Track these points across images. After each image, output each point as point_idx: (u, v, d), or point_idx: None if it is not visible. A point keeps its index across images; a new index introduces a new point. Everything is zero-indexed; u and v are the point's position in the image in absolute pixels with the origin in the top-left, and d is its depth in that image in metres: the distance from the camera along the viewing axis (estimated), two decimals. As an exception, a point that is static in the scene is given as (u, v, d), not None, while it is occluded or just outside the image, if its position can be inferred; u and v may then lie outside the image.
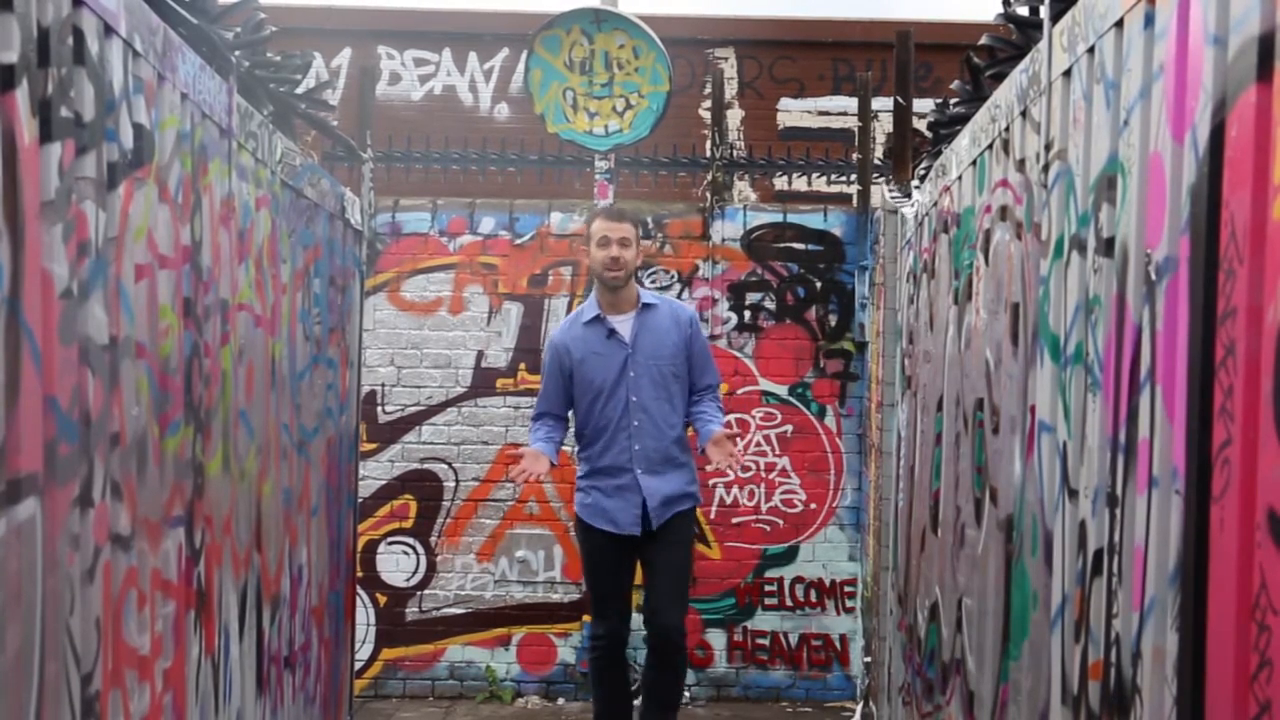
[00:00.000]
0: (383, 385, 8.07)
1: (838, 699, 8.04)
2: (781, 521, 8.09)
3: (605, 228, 5.84)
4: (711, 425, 5.85)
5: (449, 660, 8.13)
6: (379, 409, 8.06)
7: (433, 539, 8.13)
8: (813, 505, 8.13)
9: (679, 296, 7.77)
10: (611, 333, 5.85)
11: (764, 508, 8.08)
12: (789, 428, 8.09)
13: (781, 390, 8.04)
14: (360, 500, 7.17)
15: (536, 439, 5.92)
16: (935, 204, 5.10)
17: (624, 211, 6.13)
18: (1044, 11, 3.45)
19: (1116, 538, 2.80)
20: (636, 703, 6.16)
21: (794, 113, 10.85)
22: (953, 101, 4.79)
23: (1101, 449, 2.91)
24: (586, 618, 7.20)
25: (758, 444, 8.06)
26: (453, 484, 8.11)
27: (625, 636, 6.00)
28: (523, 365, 7.98)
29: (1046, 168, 3.43)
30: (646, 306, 5.92)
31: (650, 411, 5.81)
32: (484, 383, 8.09)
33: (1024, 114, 3.70)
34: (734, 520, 8.01)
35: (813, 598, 8.15)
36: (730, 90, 10.84)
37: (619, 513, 5.79)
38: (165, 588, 3.48)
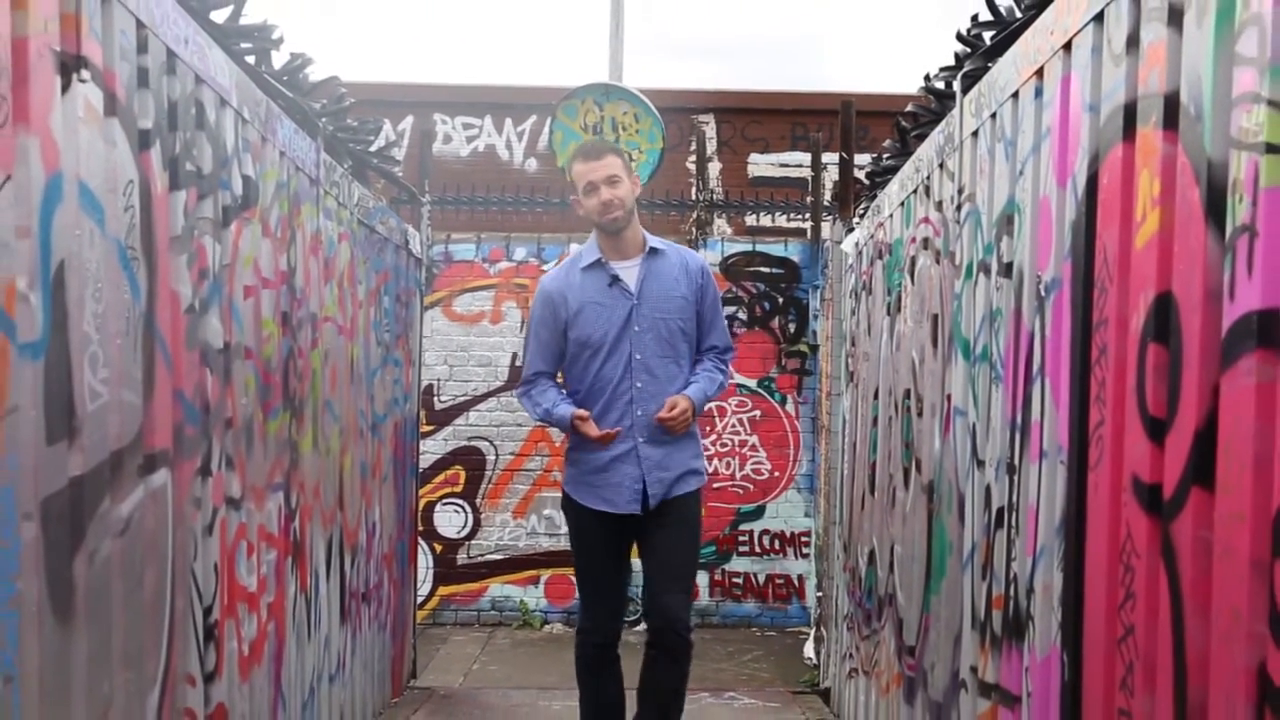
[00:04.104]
0: (438, 380, 8.09)
1: (796, 625, 8.05)
2: (751, 486, 8.11)
3: (586, 171, 4.02)
4: (691, 384, 4.10)
5: (491, 596, 8.14)
6: (435, 398, 8.07)
7: (478, 500, 8.14)
8: (776, 473, 8.15)
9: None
10: (615, 280, 4.06)
11: (738, 475, 8.09)
12: (758, 413, 8.10)
13: (752, 383, 8.06)
14: (421, 470, 7.17)
15: (559, 403, 4.10)
16: (872, 236, 5.10)
17: (602, 146, 4.19)
18: (956, 85, 3.45)
19: (1014, 498, 2.81)
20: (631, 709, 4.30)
21: (761, 165, 10.83)
22: (885, 156, 4.79)
23: (1003, 428, 2.91)
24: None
25: (733, 426, 8.07)
26: (493, 457, 8.13)
27: (617, 632, 4.21)
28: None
29: (959, 208, 3.43)
30: (654, 252, 4.12)
31: (655, 372, 4.04)
32: (517, 378, 8.08)
33: (941, 166, 3.70)
34: (714, 485, 8.00)
35: (776, 546, 8.16)
36: (710, 147, 10.81)
37: (614, 490, 4.04)
38: (269, 539, 3.49)
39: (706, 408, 4.39)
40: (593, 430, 3.99)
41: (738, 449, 8.09)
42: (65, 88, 2.15)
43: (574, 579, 7.90)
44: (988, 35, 3.27)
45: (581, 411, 4.02)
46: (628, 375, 4.04)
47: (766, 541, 8.16)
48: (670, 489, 4.06)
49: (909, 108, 4.32)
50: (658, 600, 4.04)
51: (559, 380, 4.25)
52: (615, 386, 4.05)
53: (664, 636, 4.04)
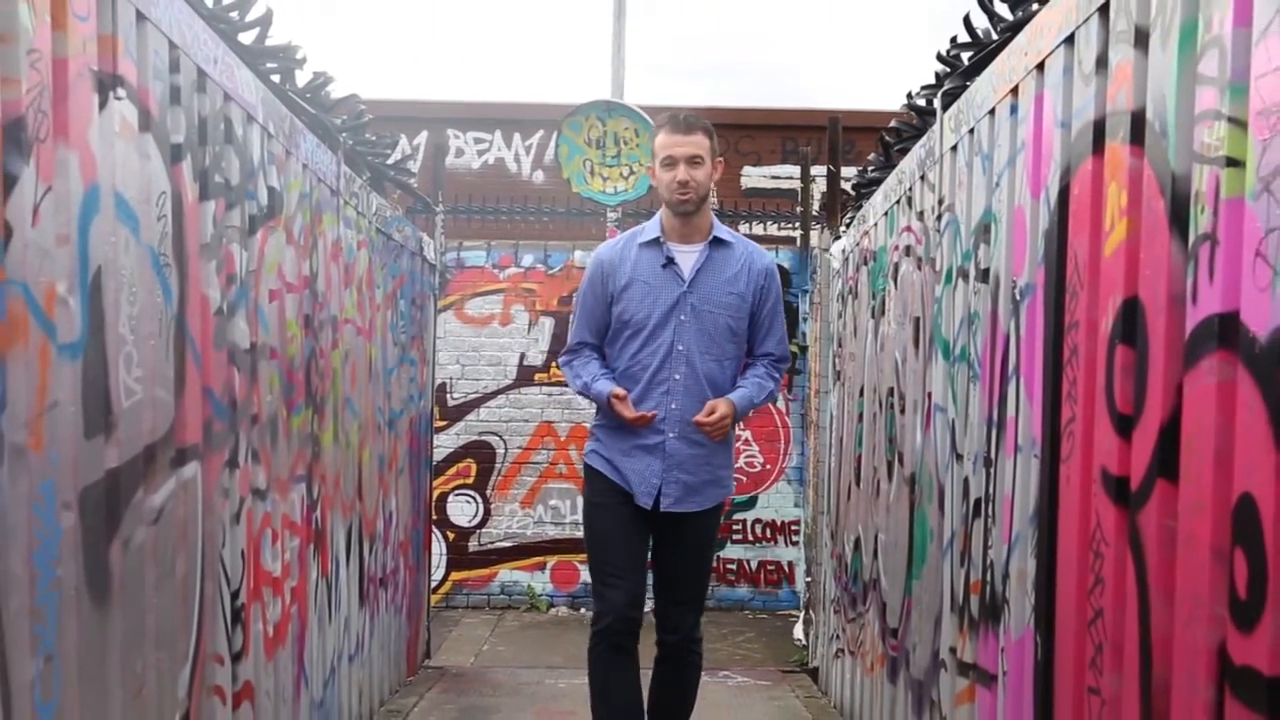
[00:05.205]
0: (451, 378, 8.09)
1: (786, 608, 8.05)
2: (745, 478, 8.11)
3: (670, 143, 3.53)
4: (737, 389, 3.61)
5: (500, 581, 8.15)
6: (448, 395, 8.08)
7: (488, 491, 8.14)
8: (768, 466, 8.15)
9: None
10: (670, 261, 3.56)
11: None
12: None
13: (745, 381, 8.06)
14: (434, 463, 7.18)
15: (599, 376, 3.59)
16: (857, 244, 5.11)
17: (693, 121, 3.59)
18: (937, 103, 3.45)
19: (991, 489, 2.81)
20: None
21: (753, 177, 10.82)
22: (870, 169, 4.79)
23: (980, 424, 2.92)
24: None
25: (727, 421, 8.07)
26: (503, 451, 8.13)
27: (636, 620, 3.55)
28: (554, 364, 7.98)
29: (939, 217, 3.44)
30: (719, 242, 3.61)
31: (695, 367, 3.53)
32: (525, 377, 8.11)
33: (923, 178, 3.70)
34: (710, 477, 8.00)
35: (768, 534, 8.16)
36: (706, 160, 10.82)
37: (635, 476, 3.53)
38: (292, 527, 3.49)
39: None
40: (629, 412, 3.49)
41: (732, 443, 8.09)
42: (102, 104, 2.15)
43: (579, 565, 7.99)
44: (966, 56, 3.28)
45: (620, 390, 3.52)
46: (667, 364, 3.53)
47: (759, 530, 8.17)
48: (688, 498, 3.55)
49: (892, 124, 4.32)
50: (669, 615, 3.65)
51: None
52: (653, 374, 3.53)
53: (674, 649, 3.66)
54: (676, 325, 3.53)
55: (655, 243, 3.61)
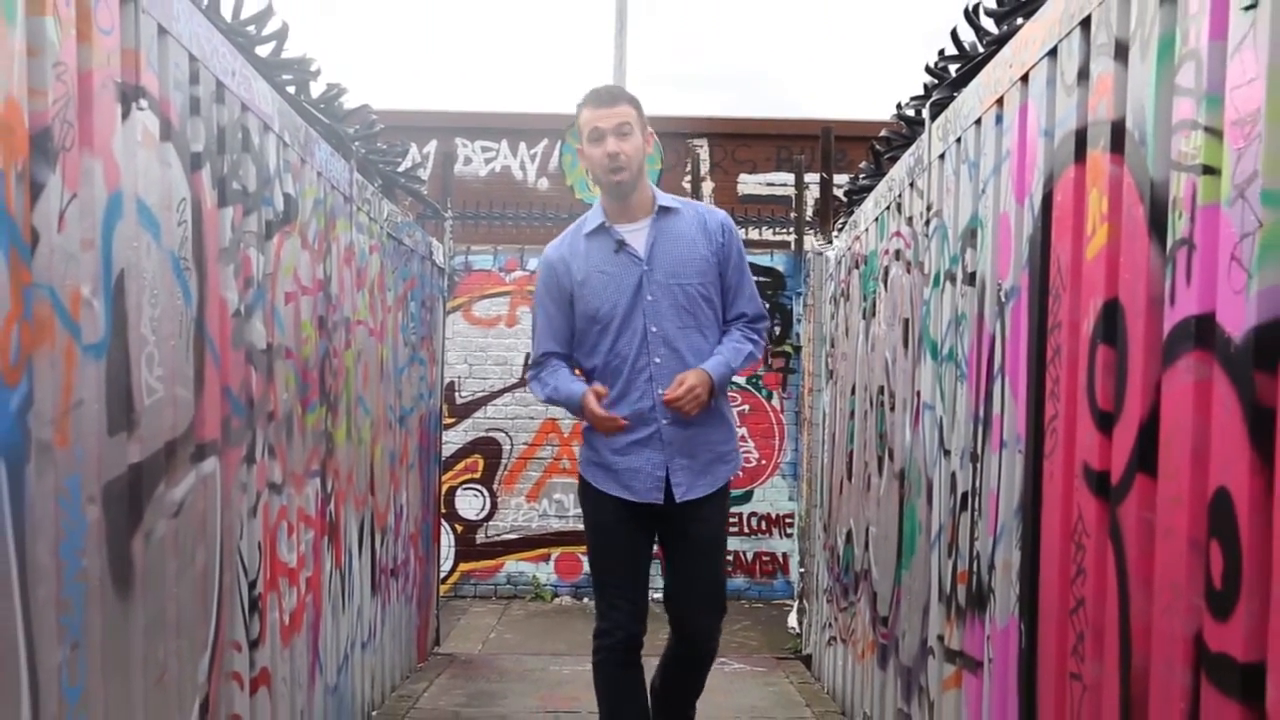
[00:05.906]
0: (459, 377, 8.10)
1: (781, 598, 8.06)
2: (741, 473, 8.10)
3: (595, 117, 3.19)
4: (711, 357, 3.23)
5: (506, 571, 8.15)
6: (456, 394, 8.08)
7: (494, 486, 8.15)
8: (763, 461, 8.15)
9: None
10: (621, 245, 3.23)
11: (729, 463, 8.08)
12: (747, 407, 8.11)
13: (741, 380, 8.06)
14: (443, 458, 7.17)
15: (570, 381, 3.27)
16: (849, 248, 5.10)
17: (617, 92, 3.28)
18: (925, 113, 3.46)
19: (977, 484, 2.81)
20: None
21: (749, 184, 10.81)
22: (861, 176, 4.78)
23: (967, 421, 2.92)
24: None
25: (724, 418, 8.07)
26: (509, 447, 8.14)
27: (639, 634, 3.27)
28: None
29: (928, 222, 3.44)
30: (665, 210, 3.26)
31: (675, 345, 3.19)
32: (530, 375, 8.12)
33: (912, 185, 3.70)
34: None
35: (763, 527, 8.17)
36: (704, 168, 10.81)
37: (635, 476, 3.20)
38: (307, 520, 3.49)
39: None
40: (600, 412, 3.17)
41: (728, 440, 8.10)
42: (125, 115, 2.15)
43: (582, 556, 7.99)
44: (953, 68, 3.28)
45: (599, 388, 3.20)
46: (644, 350, 3.18)
47: (755, 523, 8.17)
48: (697, 482, 3.23)
49: (883, 133, 4.32)
50: (690, 620, 3.31)
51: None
52: (632, 363, 3.19)
53: (690, 650, 3.36)
54: (645, 307, 3.19)
55: (601, 229, 3.27)
